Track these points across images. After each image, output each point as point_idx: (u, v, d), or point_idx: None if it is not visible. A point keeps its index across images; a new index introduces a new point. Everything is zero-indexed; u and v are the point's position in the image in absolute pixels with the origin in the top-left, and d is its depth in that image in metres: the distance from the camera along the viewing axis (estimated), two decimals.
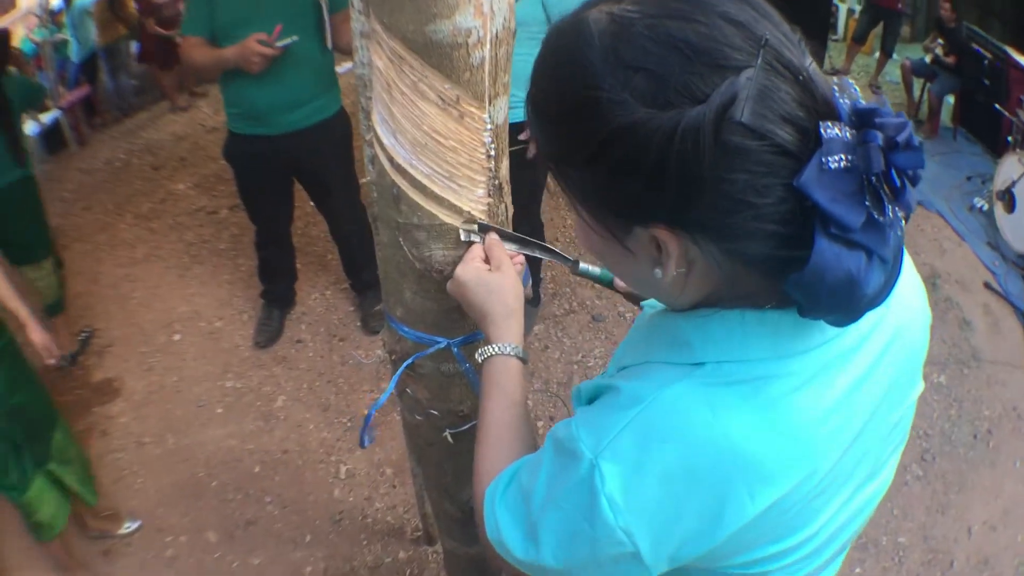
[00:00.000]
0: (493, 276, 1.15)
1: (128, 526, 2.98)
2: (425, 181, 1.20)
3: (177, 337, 3.95)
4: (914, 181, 0.62)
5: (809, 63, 0.62)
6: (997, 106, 5.69)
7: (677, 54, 0.59)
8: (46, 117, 5.67)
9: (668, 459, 0.68)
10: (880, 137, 0.59)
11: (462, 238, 1.23)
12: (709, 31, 0.59)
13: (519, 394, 1.08)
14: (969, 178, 5.85)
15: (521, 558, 0.81)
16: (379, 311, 3.89)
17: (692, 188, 0.61)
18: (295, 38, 3.00)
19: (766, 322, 0.71)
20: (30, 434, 2.50)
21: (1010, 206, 4.90)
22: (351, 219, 3.65)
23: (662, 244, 0.67)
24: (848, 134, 0.59)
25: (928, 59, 6.82)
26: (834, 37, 8.46)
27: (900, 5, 7.56)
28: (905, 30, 8.46)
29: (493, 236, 1.22)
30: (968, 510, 3.27)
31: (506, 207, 1.32)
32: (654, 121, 0.59)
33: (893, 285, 0.65)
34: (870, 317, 0.73)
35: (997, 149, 6.15)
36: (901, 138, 0.59)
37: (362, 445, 1.35)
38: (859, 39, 7.92)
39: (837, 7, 8.62)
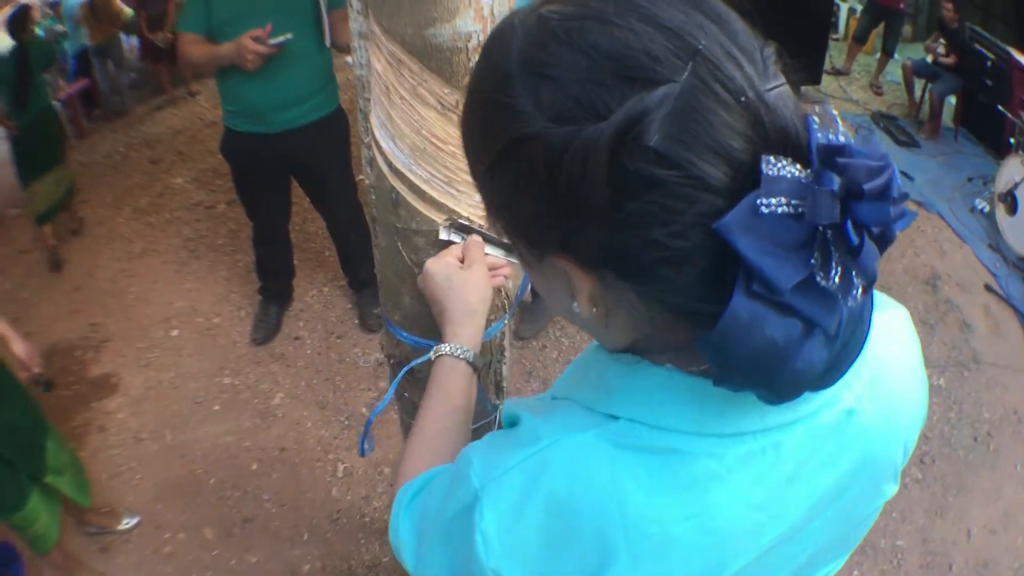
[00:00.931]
0: (460, 273, 1.12)
1: (127, 522, 2.97)
2: (424, 186, 1.19)
3: (175, 333, 3.93)
4: (883, 241, 0.53)
5: (772, 85, 0.51)
6: (1000, 107, 5.67)
7: (587, 62, 0.50)
8: None
9: (552, 512, 0.60)
10: (837, 182, 0.48)
11: (441, 236, 1.21)
12: (629, 37, 0.50)
13: (461, 399, 1.05)
14: (970, 179, 5.84)
15: (412, 570, 0.78)
16: (377, 310, 3.87)
17: (585, 217, 0.52)
18: (289, 36, 2.97)
19: (695, 389, 0.60)
20: (23, 449, 2.47)
21: (1012, 208, 4.89)
22: (348, 217, 3.63)
23: (570, 276, 0.58)
24: (805, 174, 0.49)
25: (930, 59, 6.80)
26: (835, 36, 8.42)
27: (902, 5, 7.53)
28: (907, 29, 8.44)
29: (475, 236, 1.20)
30: (967, 513, 3.26)
31: None
32: (549, 136, 0.51)
33: (846, 367, 0.55)
34: (831, 402, 0.64)
35: (999, 150, 6.14)
36: (869, 186, 0.48)
37: (361, 454, 1.33)
38: (860, 39, 7.89)
39: (838, 6, 8.58)
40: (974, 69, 6.37)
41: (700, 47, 0.49)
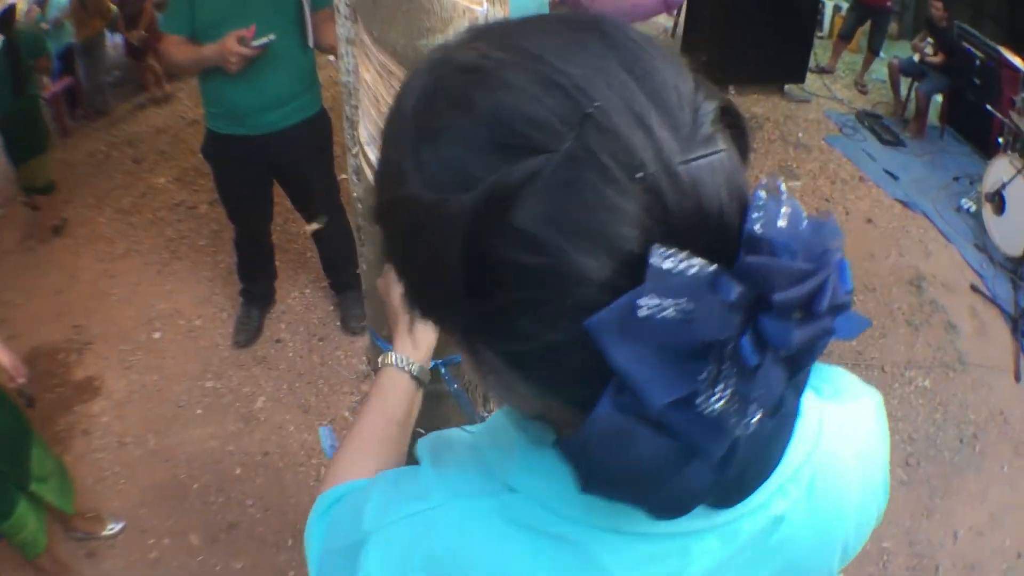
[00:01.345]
0: None
1: (111, 527, 2.95)
2: None
3: (157, 335, 3.89)
4: (796, 364, 0.45)
5: (695, 155, 0.43)
6: (988, 107, 5.68)
7: (467, 124, 0.44)
8: None
9: (433, 574, 0.57)
10: (735, 290, 0.40)
11: None
12: (512, 96, 0.43)
13: (399, 412, 1.02)
14: (956, 178, 5.85)
15: None
16: (359, 313, 3.85)
17: (445, 294, 0.47)
18: (272, 37, 2.94)
19: None
20: (10, 458, 2.45)
21: (999, 208, 4.90)
22: (330, 219, 3.61)
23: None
24: (708, 271, 0.41)
25: (916, 58, 6.80)
26: (820, 35, 8.41)
27: (888, 3, 7.52)
28: (892, 27, 8.43)
29: None
30: (954, 515, 3.28)
31: None
32: (420, 201, 0.45)
33: (751, 488, 0.50)
34: (757, 509, 0.57)
35: (986, 149, 6.16)
36: (782, 296, 0.41)
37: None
38: (845, 37, 7.88)
39: (823, 4, 8.56)
40: (962, 68, 6.37)
41: (592, 110, 0.42)
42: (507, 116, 0.43)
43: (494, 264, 0.43)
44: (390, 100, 1.09)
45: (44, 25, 5.89)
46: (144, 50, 6.40)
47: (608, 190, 0.41)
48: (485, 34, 0.49)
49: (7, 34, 4.39)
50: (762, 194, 0.44)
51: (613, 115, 0.42)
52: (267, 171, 3.43)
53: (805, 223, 0.44)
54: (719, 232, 0.43)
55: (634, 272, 0.40)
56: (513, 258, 0.42)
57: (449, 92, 0.46)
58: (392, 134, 0.51)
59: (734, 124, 0.49)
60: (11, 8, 4.72)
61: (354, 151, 1.23)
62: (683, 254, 0.40)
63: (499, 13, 1.08)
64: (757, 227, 0.42)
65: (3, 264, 4.44)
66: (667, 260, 0.40)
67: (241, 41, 2.89)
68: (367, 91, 1.13)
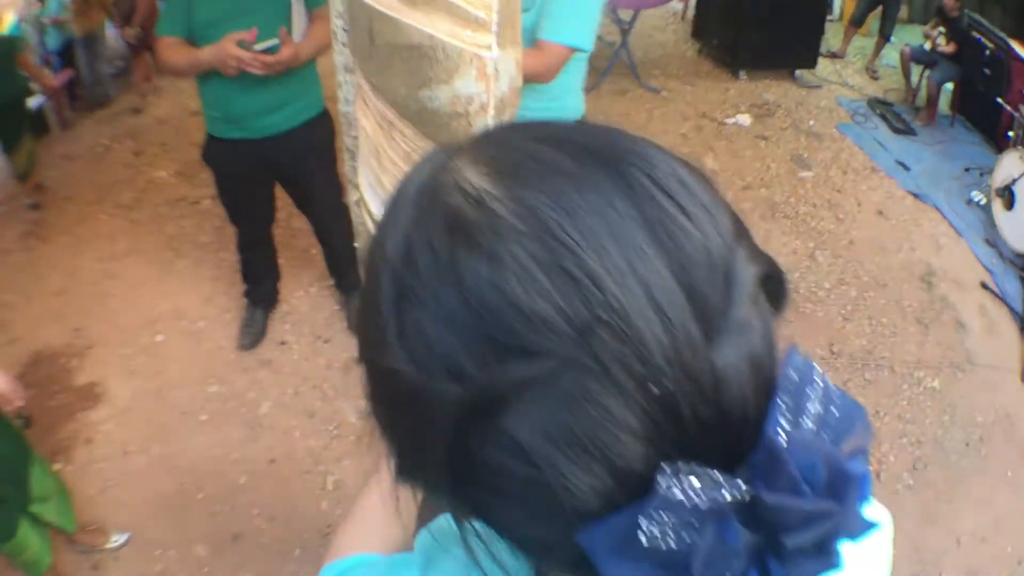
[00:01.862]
0: None
1: (116, 539, 2.92)
2: None
3: (159, 338, 3.85)
4: None
5: (726, 347, 0.39)
6: (999, 100, 5.61)
7: (455, 303, 0.39)
8: (31, 102, 5.54)
9: None
10: (743, 537, 0.37)
11: None
12: (512, 283, 0.38)
13: None
14: (967, 169, 5.79)
15: None
16: None
17: (428, 473, 0.45)
18: (275, 41, 2.88)
19: None
20: (9, 481, 2.42)
21: (1009, 203, 4.84)
22: (334, 220, 3.55)
23: None
24: (720, 495, 0.36)
25: (928, 46, 6.73)
26: (830, 18, 8.31)
27: None
28: (902, 10, 8.34)
29: None
30: (958, 520, 3.26)
31: None
32: (406, 375, 0.41)
33: None
34: None
35: (996, 140, 6.09)
36: (792, 542, 0.37)
37: None
38: (856, 22, 7.80)
39: None
40: (972, 58, 6.30)
41: (601, 313, 0.36)
42: (500, 305, 0.38)
43: (480, 462, 0.40)
44: (391, 153, 1.03)
45: (45, 20, 5.84)
46: (140, 47, 6.30)
47: (614, 403, 0.37)
48: (484, 156, 0.44)
49: None
50: (793, 376, 0.40)
51: (629, 312, 0.37)
52: (268, 174, 3.37)
53: (835, 409, 0.40)
54: (737, 433, 0.39)
55: (636, 485, 0.37)
56: (500, 462, 0.39)
57: (435, 250, 0.41)
58: (373, 271, 0.45)
59: (770, 276, 0.44)
60: None
61: (353, 181, 1.19)
62: (693, 475, 0.36)
63: (510, 59, 1.01)
64: (780, 437, 0.38)
65: (3, 264, 4.39)
66: (675, 487, 0.36)
67: (240, 44, 2.83)
68: (367, 140, 1.07)
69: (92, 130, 5.91)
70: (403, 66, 0.95)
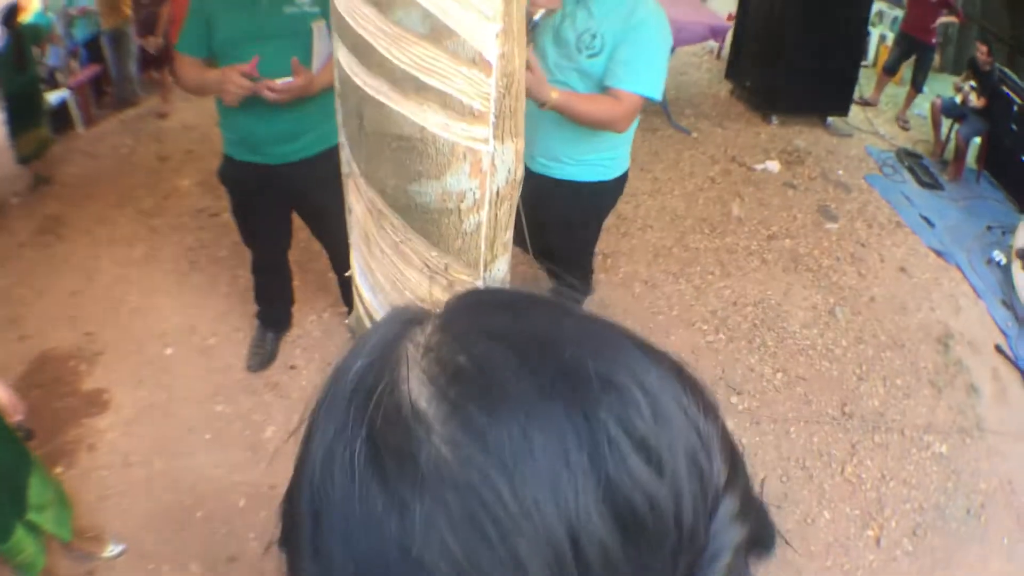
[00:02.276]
0: None
1: (112, 549, 2.91)
2: None
3: (169, 351, 3.85)
4: None
5: None
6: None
7: (374, 537, 0.36)
8: (54, 97, 5.55)
9: None
10: None
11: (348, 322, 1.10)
12: (419, 539, 0.35)
13: None
14: (990, 228, 5.73)
15: None
16: None
17: None
18: (290, 80, 2.79)
19: None
20: (7, 489, 2.43)
21: None
22: (349, 251, 3.53)
23: None
24: None
25: (959, 99, 6.69)
26: (864, 63, 8.27)
27: (933, 40, 7.42)
28: (934, 60, 8.30)
29: None
30: None
31: None
32: None
33: None
34: None
35: (1020, 198, 6.05)
36: None
37: None
38: (890, 70, 7.77)
39: (869, 33, 8.42)
40: (1000, 113, 6.26)
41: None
42: (400, 564, 0.35)
43: None
44: (381, 242, 0.99)
45: (71, 11, 5.86)
46: (162, 59, 6.22)
47: None
48: (437, 356, 0.40)
49: (13, 27, 4.90)
50: None
51: None
52: (284, 200, 3.31)
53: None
54: None
55: None
56: None
57: (352, 475, 0.37)
58: (301, 460, 0.43)
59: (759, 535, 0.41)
60: (14, 6, 5.10)
61: (347, 272, 1.15)
62: None
63: (509, 151, 0.96)
64: None
65: (18, 258, 4.41)
66: None
67: (248, 76, 2.76)
68: (357, 225, 1.03)
69: (117, 129, 5.93)
70: (392, 156, 0.90)
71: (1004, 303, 4.93)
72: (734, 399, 3.90)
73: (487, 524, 0.34)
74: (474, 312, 0.44)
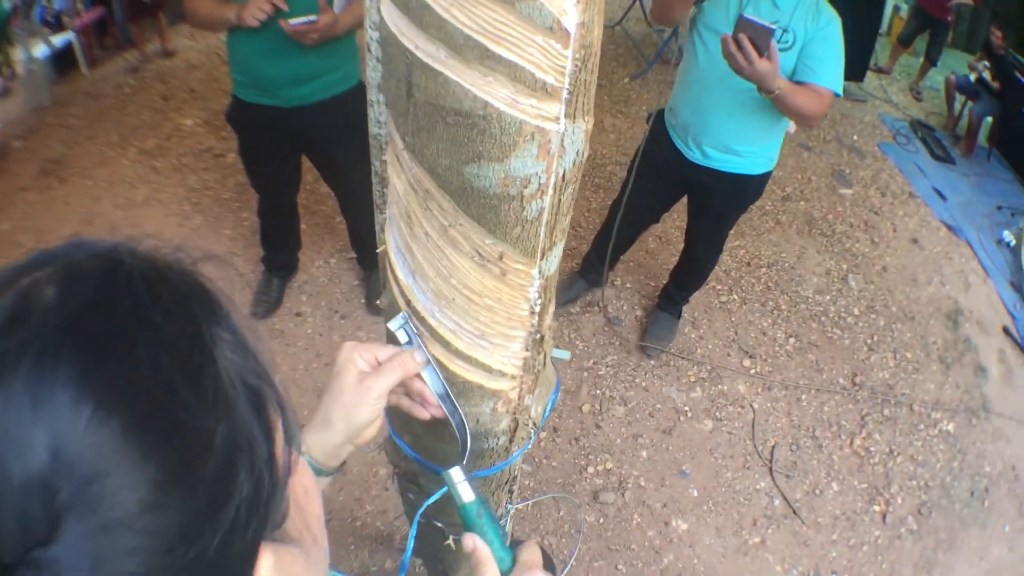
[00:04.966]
0: (351, 377, 0.95)
1: None
2: (449, 336, 0.98)
3: None
4: None
5: None
6: None
7: None
8: (58, 40, 5.41)
9: None
10: None
11: (390, 325, 1.02)
12: None
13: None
14: (1000, 207, 5.70)
15: None
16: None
17: None
18: (313, 18, 2.67)
19: None
20: None
21: None
22: (361, 197, 3.41)
23: None
24: None
25: (973, 77, 6.64)
26: (879, 32, 8.21)
27: (949, 17, 7.38)
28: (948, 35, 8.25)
29: (419, 352, 0.98)
30: (952, 570, 3.24)
31: (544, 356, 1.11)
32: None
33: None
34: None
35: None
36: None
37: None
38: (904, 41, 7.72)
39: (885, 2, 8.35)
40: (1014, 97, 6.24)
41: None
42: None
43: None
44: (426, 224, 0.87)
45: None
46: (152, 6, 5.86)
47: None
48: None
49: None
50: None
51: None
52: (295, 144, 3.21)
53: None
54: None
55: None
56: None
57: None
58: None
59: None
60: None
61: (379, 249, 1.06)
62: None
63: (579, 131, 0.84)
64: None
65: (19, 201, 4.28)
66: None
67: (279, 14, 2.66)
68: (397, 201, 0.91)
69: (120, 69, 5.76)
70: (446, 133, 0.79)
71: (1012, 284, 4.91)
72: (746, 362, 3.86)
73: None
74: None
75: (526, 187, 0.83)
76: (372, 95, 0.96)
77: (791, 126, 3.10)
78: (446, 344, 0.99)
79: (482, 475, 1.24)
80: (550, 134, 0.79)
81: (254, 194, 3.53)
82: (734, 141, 2.94)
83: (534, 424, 1.21)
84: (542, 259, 0.93)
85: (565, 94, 0.78)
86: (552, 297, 1.03)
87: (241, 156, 3.33)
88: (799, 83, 2.67)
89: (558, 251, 0.97)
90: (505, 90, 0.75)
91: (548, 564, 2.31)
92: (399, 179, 0.91)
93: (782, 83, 2.54)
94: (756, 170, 3.05)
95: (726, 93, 2.79)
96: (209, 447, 0.41)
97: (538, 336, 1.03)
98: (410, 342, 1.00)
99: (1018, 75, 6.21)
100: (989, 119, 6.60)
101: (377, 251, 1.09)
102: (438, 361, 1.01)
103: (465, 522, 0.95)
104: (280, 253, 3.70)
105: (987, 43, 6.73)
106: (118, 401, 0.39)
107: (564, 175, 0.86)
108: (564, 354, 3.68)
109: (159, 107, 5.22)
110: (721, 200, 3.18)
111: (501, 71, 0.74)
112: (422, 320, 0.99)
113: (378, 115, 0.97)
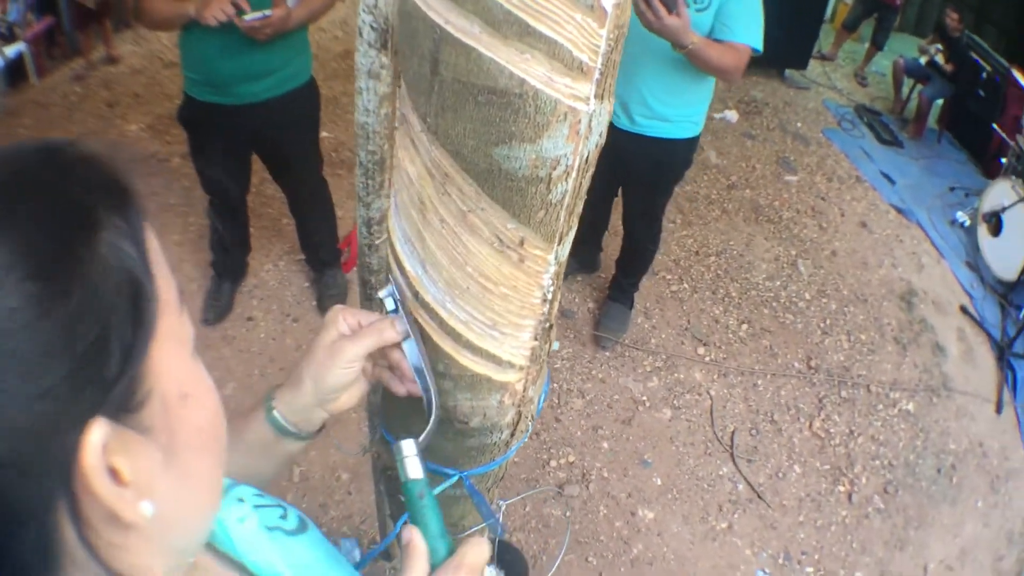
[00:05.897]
0: (328, 338, 0.92)
1: None
2: (460, 328, 0.94)
3: None
4: None
5: None
6: (994, 125, 5.60)
7: None
8: (10, 50, 5.26)
9: None
10: None
11: (379, 292, 0.97)
12: None
13: (246, 431, 0.94)
14: (952, 189, 5.76)
15: None
16: (337, 293, 3.67)
17: None
18: (267, 13, 2.67)
19: None
20: None
21: (996, 229, 4.82)
22: (311, 194, 3.40)
23: None
24: None
25: (923, 60, 6.70)
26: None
27: (898, 1, 7.43)
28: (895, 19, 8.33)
29: (400, 321, 0.95)
30: (926, 548, 3.25)
31: (549, 346, 1.09)
32: None
33: None
34: None
35: (983, 160, 6.10)
36: None
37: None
38: (849, 27, 7.77)
39: None
40: (968, 79, 6.30)
41: None
42: None
43: None
44: (442, 210, 0.83)
45: None
46: (98, 13, 5.69)
47: None
48: None
49: None
50: None
51: None
52: (247, 142, 3.18)
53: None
54: None
55: None
56: None
57: None
58: None
59: None
60: None
61: (364, 198, 1.03)
62: None
63: (604, 112, 0.81)
64: None
65: None
66: None
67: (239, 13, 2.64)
68: (408, 186, 0.88)
69: (67, 77, 5.64)
70: (477, 113, 0.76)
71: (968, 264, 4.97)
72: (701, 350, 3.87)
73: None
74: None
75: (555, 168, 0.80)
76: (361, 82, 0.92)
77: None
78: (456, 336, 0.95)
79: (483, 471, 1.19)
80: (580, 114, 0.76)
81: (201, 198, 3.47)
82: (660, 104, 2.99)
83: (531, 416, 1.18)
84: (559, 244, 0.90)
85: (597, 74, 0.75)
86: (561, 284, 1.00)
87: (191, 155, 3.28)
88: (717, 40, 2.75)
89: (571, 236, 0.94)
90: (542, 68, 0.72)
91: (520, 563, 2.27)
92: (412, 164, 0.87)
93: (695, 38, 2.61)
94: (683, 134, 3.10)
95: (647, 53, 2.83)
96: (67, 292, 0.43)
97: (547, 324, 1.00)
98: (396, 311, 0.96)
99: (975, 56, 6.26)
100: (940, 101, 6.67)
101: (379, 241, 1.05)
102: (447, 355, 0.97)
103: (406, 501, 0.91)
104: (230, 256, 3.63)
105: (940, 25, 6.78)
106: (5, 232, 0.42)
107: (588, 157, 0.83)
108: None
109: (104, 114, 5.12)
110: (650, 168, 3.21)
111: (540, 48, 0.71)
112: (432, 312, 0.94)
113: (366, 103, 0.94)
